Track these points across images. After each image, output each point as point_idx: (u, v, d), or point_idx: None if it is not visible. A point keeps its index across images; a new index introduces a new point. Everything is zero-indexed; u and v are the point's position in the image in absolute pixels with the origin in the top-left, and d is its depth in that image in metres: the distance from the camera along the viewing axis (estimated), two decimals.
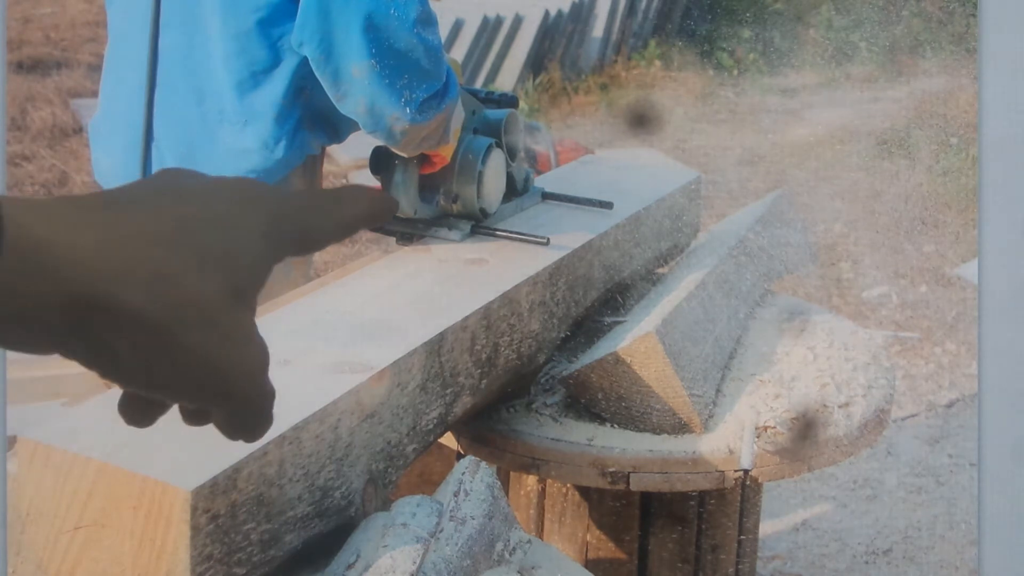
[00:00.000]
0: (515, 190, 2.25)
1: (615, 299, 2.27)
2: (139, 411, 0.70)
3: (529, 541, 1.54)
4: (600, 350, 1.96)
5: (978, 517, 1.35)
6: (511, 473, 2.18)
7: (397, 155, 2.02)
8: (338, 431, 1.42)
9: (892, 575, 3.15)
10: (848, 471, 3.57)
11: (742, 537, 2.20)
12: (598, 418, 1.96)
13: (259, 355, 0.67)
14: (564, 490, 2.15)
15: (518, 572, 1.48)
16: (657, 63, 8.13)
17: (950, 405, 4.03)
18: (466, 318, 1.74)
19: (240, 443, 0.69)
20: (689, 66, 8.11)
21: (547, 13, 7.72)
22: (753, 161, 6.31)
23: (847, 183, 5.71)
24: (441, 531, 1.39)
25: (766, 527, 3.26)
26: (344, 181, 5.74)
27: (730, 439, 1.93)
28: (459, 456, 2.03)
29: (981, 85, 1.32)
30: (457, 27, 7.44)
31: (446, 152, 2.06)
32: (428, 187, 2.10)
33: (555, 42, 7.81)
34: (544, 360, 2.04)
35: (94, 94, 2.27)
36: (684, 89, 7.75)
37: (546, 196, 2.32)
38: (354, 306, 1.77)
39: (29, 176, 5.59)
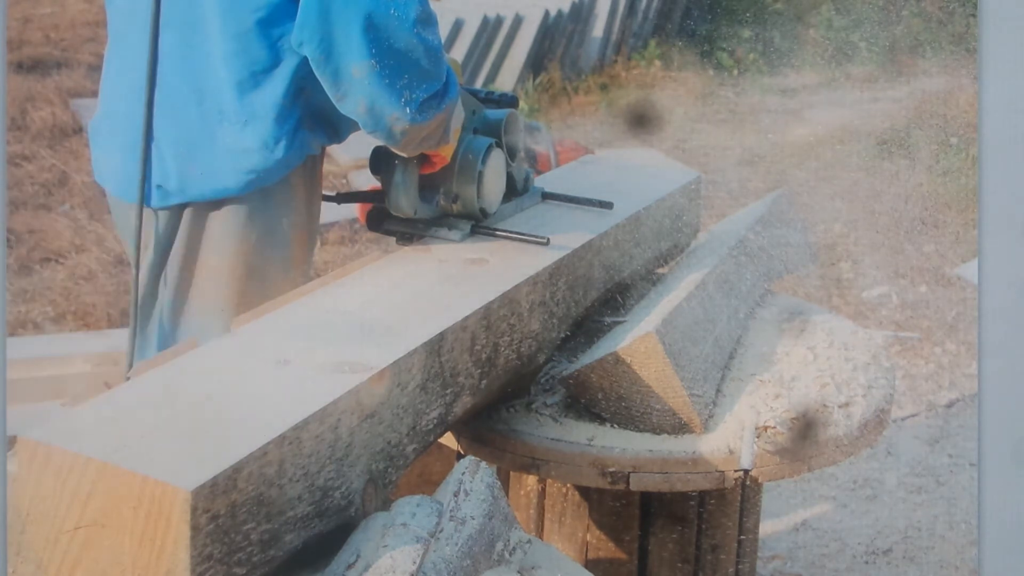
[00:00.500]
0: (515, 190, 2.25)
1: (615, 299, 2.27)
2: None
3: (529, 541, 1.54)
4: (600, 350, 1.96)
5: (978, 517, 1.35)
6: (511, 473, 2.18)
7: (397, 155, 2.02)
8: (338, 431, 1.42)
9: (892, 575, 3.15)
10: (848, 471, 3.57)
11: (742, 537, 2.20)
12: (598, 418, 1.96)
13: None
14: (564, 490, 2.15)
15: (518, 572, 1.48)
16: (657, 63, 8.12)
17: (950, 405, 4.02)
18: (466, 318, 1.74)
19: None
20: (689, 66, 8.10)
21: (547, 13, 7.71)
22: (753, 161, 6.30)
23: (847, 183, 5.70)
24: (441, 531, 1.39)
25: (766, 527, 3.26)
26: (344, 181, 5.73)
27: (730, 439, 1.93)
28: (459, 456, 2.03)
29: (981, 85, 1.32)
30: (457, 27, 7.43)
31: (446, 152, 2.06)
32: (428, 187, 2.10)
33: (555, 42, 7.80)
34: (544, 360, 2.04)
35: (94, 94, 2.26)
36: (684, 89, 7.74)
37: (546, 196, 2.32)
38: (354, 306, 1.77)
39: (29, 176, 5.59)
